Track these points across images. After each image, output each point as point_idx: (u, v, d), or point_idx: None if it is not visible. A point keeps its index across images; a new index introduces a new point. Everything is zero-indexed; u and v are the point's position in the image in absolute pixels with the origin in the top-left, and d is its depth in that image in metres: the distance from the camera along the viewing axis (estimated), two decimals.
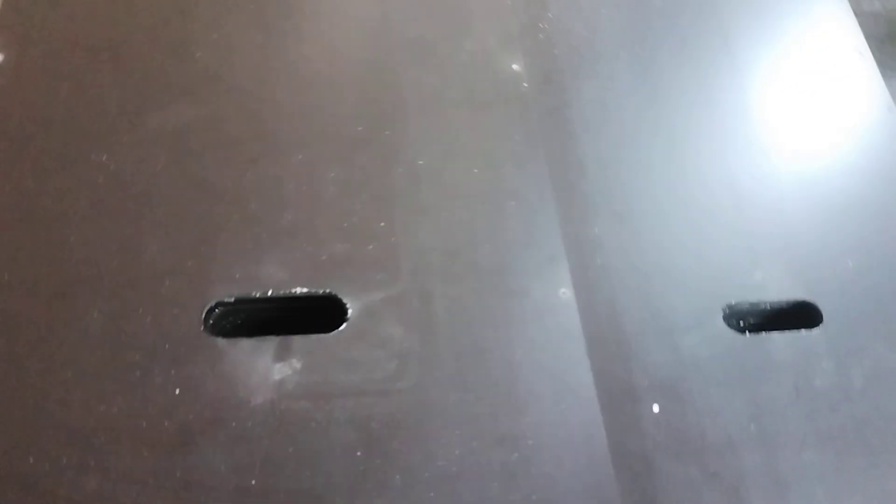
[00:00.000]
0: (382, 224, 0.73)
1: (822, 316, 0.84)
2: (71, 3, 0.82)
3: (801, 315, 0.85)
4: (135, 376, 0.61)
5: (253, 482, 0.58)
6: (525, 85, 0.88)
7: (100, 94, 0.75)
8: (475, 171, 0.79)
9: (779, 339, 0.83)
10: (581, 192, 0.87)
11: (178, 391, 0.60)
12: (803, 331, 0.83)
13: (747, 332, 0.83)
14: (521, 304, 0.71)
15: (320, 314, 0.67)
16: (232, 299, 0.66)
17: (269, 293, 0.66)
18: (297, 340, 0.65)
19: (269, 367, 0.63)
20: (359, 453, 0.60)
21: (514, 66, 0.89)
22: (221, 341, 0.63)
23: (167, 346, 0.62)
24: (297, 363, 0.64)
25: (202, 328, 0.64)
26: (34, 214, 0.67)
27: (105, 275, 0.65)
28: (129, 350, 0.62)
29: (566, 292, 0.73)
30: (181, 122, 0.75)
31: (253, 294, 0.66)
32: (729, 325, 0.83)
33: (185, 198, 0.71)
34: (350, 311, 0.67)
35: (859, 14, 1.05)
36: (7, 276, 0.63)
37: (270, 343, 0.64)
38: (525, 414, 0.65)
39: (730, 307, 0.83)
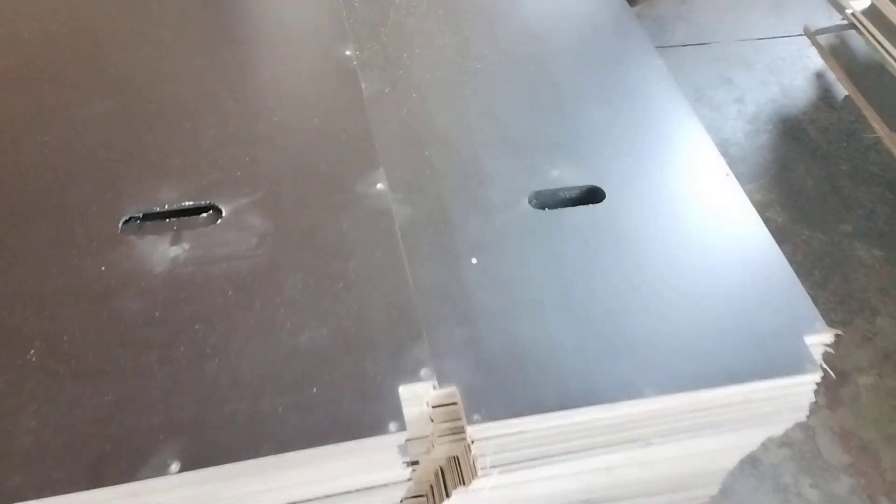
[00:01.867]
0: (247, 159, 1.02)
1: (605, 195, 1.11)
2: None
3: (590, 197, 1.12)
4: (73, 262, 0.88)
5: (156, 314, 0.84)
6: (354, 63, 1.19)
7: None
8: (315, 119, 1.08)
9: (571, 212, 1.09)
10: (409, 127, 1.16)
11: (103, 268, 0.88)
12: (591, 205, 1.11)
13: (546, 209, 1.10)
14: (348, 198, 0.99)
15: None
16: (140, 214, 0.94)
17: (165, 207, 0.95)
18: (186, 232, 0.93)
19: (167, 248, 0.91)
20: (230, 293, 0.87)
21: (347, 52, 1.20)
22: (133, 237, 0.91)
23: (95, 243, 0.90)
24: (186, 245, 0.91)
25: (119, 231, 0.92)
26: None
27: (56, 201, 0.94)
28: (69, 248, 0.90)
29: (382, 187, 1.01)
30: (100, 111, 1.05)
31: (153, 209, 0.94)
32: (532, 205, 1.10)
33: (106, 155, 1.00)
34: (224, 212, 0.95)
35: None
36: None
37: (167, 233, 0.92)
38: (350, 259, 0.92)
39: (535, 193, 1.11)
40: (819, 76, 2.20)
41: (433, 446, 0.99)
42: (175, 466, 0.74)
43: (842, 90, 2.04)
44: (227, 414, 0.78)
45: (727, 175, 1.17)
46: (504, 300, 0.97)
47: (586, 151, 1.17)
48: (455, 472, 1.00)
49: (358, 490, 0.90)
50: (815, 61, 2.13)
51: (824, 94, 2.18)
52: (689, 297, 1.00)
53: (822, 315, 1.66)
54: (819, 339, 1.01)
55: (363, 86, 1.20)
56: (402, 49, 1.32)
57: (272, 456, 0.75)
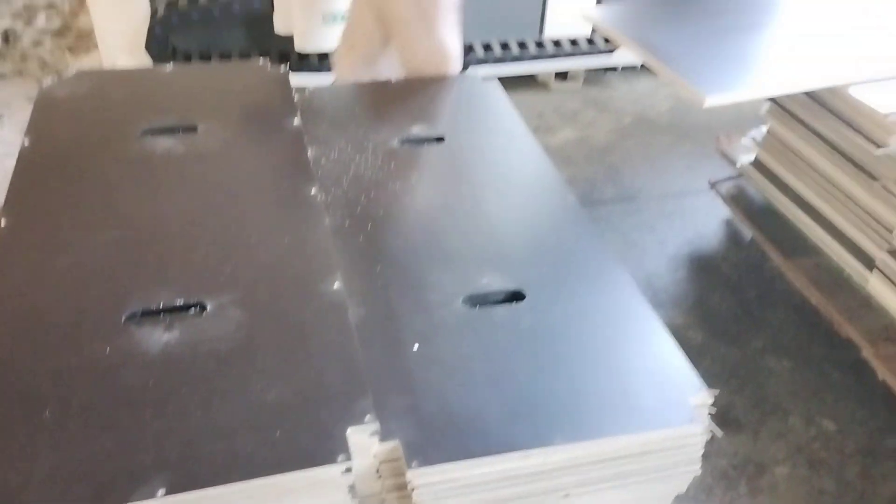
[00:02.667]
0: (229, 269, 1.26)
1: (525, 296, 1.36)
2: None
3: (513, 297, 1.37)
4: (84, 346, 1.09)
5: (150, 383, 1.04)
6: (319, 199, 1.47)
7: None
8: (286, 239, 1.34)
9: (497, 309, 1.33)
10: (364, 249, 1.42)
11: (108, 350, 1.08)
12: (513, 304, 1.35)
13: (477, 307, 1.34)
14: (310, 294, 1.22)
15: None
16: (140, 310, 1.16)
17: (160, 305, 1.17)
18: (177, 322, 1.14)
19: (161, 335, 1.12)
20: (211, 365, 1.07)
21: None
22: (133, 327, 1.13)
23: (102, 332, 1.11)
24: (176, 332, 1.12)
25: (122, 323, 1.13)
26: None
27: (72, 303, 1.16)
28: (81, 336, 1.10)
29: (338, 286, 1.24)
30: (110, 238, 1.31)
31: (151, 307, 1.17)
32: (465, 305, 1.33)
33: (114, 270, 1.24)
34: (209, 307, 1.18)
35: None
36: None
37: (162, 324, 1.13)
38: (310, 338, 1.14)
39: (467, 296, 1.35)
40: (728, 222, 2.55)
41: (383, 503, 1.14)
42: (161, 492, 0.90)
43: (748, 232, 2.37)
44: (207, 452, 0.95)
45: (626, 280, 1.43)
46: (440, 375, 1.18)
47: (511, 264, 1.42)
48: None
49: None
50: (724, 210, 2.48)
51: (733, 236, 2.52)
52: (593, 367, 1.21)
53: (740, 416, 1.88)
54: (701, 399, 1.21)
55: (326, 220, 1.48)
56: (360, 192, 1.62)
57: (240, 483, 0.92)
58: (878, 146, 1.68)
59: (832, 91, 1.78)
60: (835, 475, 1.75)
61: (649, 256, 2.44)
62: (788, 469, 1.75)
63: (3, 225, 1.34)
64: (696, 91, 1.61)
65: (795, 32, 1.95)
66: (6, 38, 3.74)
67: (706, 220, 2.59)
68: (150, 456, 0.95)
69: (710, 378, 1.96)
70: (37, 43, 3.78)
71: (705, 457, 1.76)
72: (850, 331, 1.90)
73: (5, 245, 1.32)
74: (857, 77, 1.71)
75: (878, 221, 1.79)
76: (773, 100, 2.07)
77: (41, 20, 3.98)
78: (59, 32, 3.92)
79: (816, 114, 1.89)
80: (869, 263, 1.83)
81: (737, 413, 1.89)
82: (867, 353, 1.85)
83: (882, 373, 1.80)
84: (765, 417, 1.88)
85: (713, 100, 1.60)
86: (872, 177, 1.76)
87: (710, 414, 1.22)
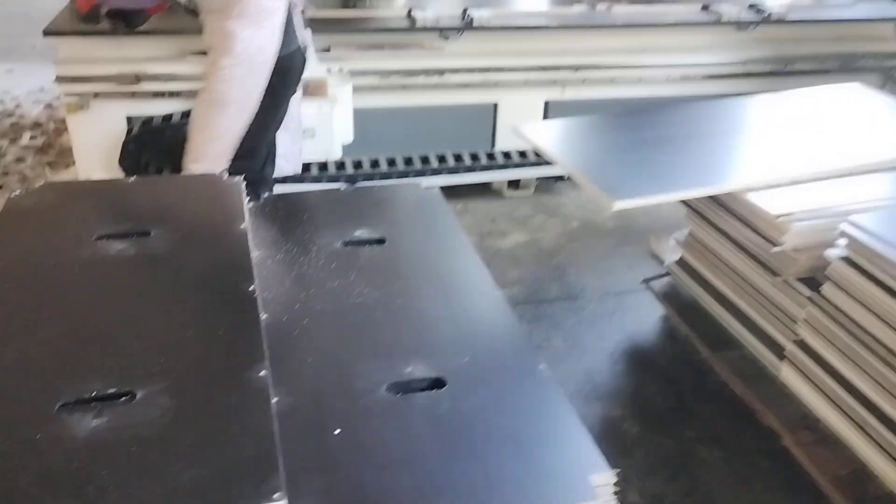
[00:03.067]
0: (162, 360, 1.35)
1: (445, 383, 1.46)
2: None
3: (435, 385, 1.46)
4: (16, 432, 1.16)
5: (74, 465, 1.11)
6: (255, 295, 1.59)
7: None
8: (220, 331, 1.44)
9: (418, 396, 1.43)
10: (298, 342, 1.52)
11: (38, 436, 1.16)
12: (434, 391, 1.44)
13: (399, 394, 1.43)
14: (236, 381, 1.31)
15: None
16: (73, 399, 1.24)
17: (93, 394, 1.25)
18: (107, 409, 1.22)
19: (90, 421, 1.19)
20: (134, 448, 1.15)
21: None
22: (65, 415, 1.20)
23: (35, 419, 1.19)
24: (105, 418, 1.20)
25: (55, 411, 1.21)
26: None
27: (10, 393, 1.23)
28: (15, 423, 1.18)
29: (264, 373, 1.34)
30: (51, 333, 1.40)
31: (84, 396, 1.25)
32: (388, 392, 1.43)
33: (51, 362, 1.32)
34: (138, 395, 1.26)
35: None
36: None
37: (92, 411, 1.21)
38: (231, 422, 1.22)
39: (391, 384, 1.44)
40: (665, 318, 2.68)
41: None
42: None
43: (683, 327, 2.49)
44: None
45: (541, 367, 1.53)
46: (357, 457, 1.27)
47: (436, 354, 1.53)
48: None
49: None
50: (661, 307, 2.62)
51: (669, 332, 2.64)
52: (503, 450, 1.30)
53: None
54: (603, 479, 1.29)
55: (265, 316, 1.58)
56: (301, 290, 1.74)
57: None
58: (774, 245, 1.85)
59: (732, 196, 1.97)
60: None
61: (590, 352, 2.54)
62: None
63: None
64: (605, 196, 1.78)
65: (702, 145, 2.16)
66: None
67: (644, 317, 2.72)
68: None
69: (643, 468, 2.06)
70: (19, 159, 3.97)
71: None
72: (771, 420, 1.99)
73: None
74: (751, 184, 1.90)
75: (784, 314, 1.93)
76: (687, 204, 2.25)
77: (26, 138, 4.20)
78: (42, 149, 4.13)
79: (723, 216, 2.07)
80: (780, 354, 1.95)
81: (669, 503, 1.95)
82: (787, 440, 1.94)
83: (802, 460, 1.88)
84: None
85: (620, 204, 1.77)
86: (775, 273, 1.91)
87: (614, 493, 1.30)
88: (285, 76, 2.53)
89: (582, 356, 2.53)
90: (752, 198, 1.88)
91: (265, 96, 2.41)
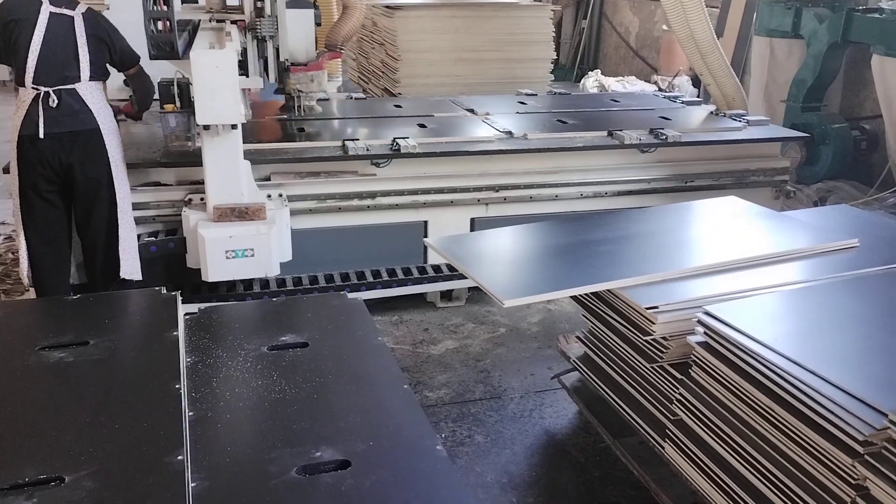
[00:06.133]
0: (91, 449, 1.52)
1: (350, 464, 1.64)
2: None
3: (341, 465, 1.65)
4: None
5: None
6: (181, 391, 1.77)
7: None
8: (145, 423, 1.62)
9: (325, 476, 1.60)
10: (220, 436, 1.70)
11: None
12: (340, 470, 1.62)
13: (307, 475, 1.60)
14: (156, 466, 1.48)
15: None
16: (7, 486, 1.40)
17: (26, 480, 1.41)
18: (37, 493, 1.38)
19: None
20: None
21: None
22: None
23: None
24: (35, 499, 1.36)
25: None
26: None
27: None
28: None
29: (181, 458, 1.51)
30: None
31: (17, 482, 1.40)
32: (298, 474, 1.60)
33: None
34: (67, 479, 1.42)
35: None
36: None
37: (24, 493, 1.37)
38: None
39: (302, 466, 1.62)
40: (580, 413, 2.90)
41: None
42: None
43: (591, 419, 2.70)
44: None
45: (437, 448, 1.72)
46: None
47: (345, 440, 1.72)
48: None
49: None
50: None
51: (583, 424, 2.85)
52: None
53: None
54: None
55: (191, 413, 1.76)
56: (226, 390, 1.93)
57: None
58: (646, 333, 2.11)
59: (611, 293, 2.25)
60: None
61: (509, 446, 2.72)
62: None
63: None
64: (497, 295, 2.04)
65: (591, 250, 2.47)
66: None
67: (561, 412, 2.93)
68: None
69: None
70: None
71: None
72: (663, 499, 2.18)
73: None
74: (626, 282, 2.19)
75: (663, 396, 2.16)
76: (581, 304, 2.53)
77: None
78: (0, 277, 4.29)
79: (607, 312, 2.34)
80: (664, 434, 2.16)
81: None
82: None
83: None
84: None
85: (511, 301, 2.03)
86: (651, 358, 2.16)
87: None
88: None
89: (502, 450, 2.70)
90: (627, 294, 2.17)
91: None
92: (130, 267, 3.11)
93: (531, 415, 2.94)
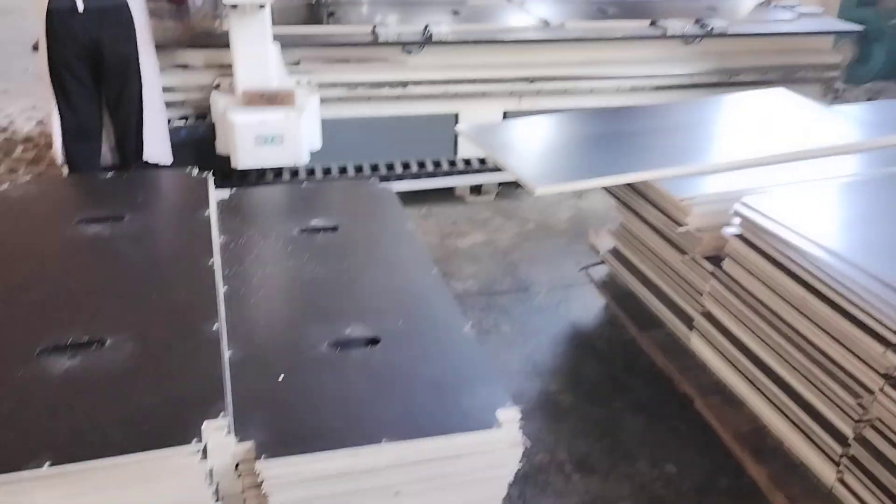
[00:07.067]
0: (129, 316, 1.56)
1: (380, 340, 1.67)
2: None
3: (370, 342, 1.68)
4: (3, 371, 1.37)
5: (51, 393, 1.31)
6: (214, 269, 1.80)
7: None
8: (181, 293, 1.66)
9: (355, 351, 1.64)
10: (254, 309, 1.73)
11: (20, 373, 1.36)
12: (370, 347, 1.66)
13: (338, 349, 1.64)
14: (194, 332, 1.52)
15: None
16: (51, 346, 1.45)
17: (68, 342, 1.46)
18: (80, 353, 1.43)
19: (65, 361, 1.40)
20: (102, 382, 1.36)
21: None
22: (43, 357, 1.41)
23: (19, 361, 1.40)
24: (78, 360, 1.41)
25: (35, 355, 1.42)
26: None
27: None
28: (2, 364, 1.39)
29: (216, 327, 1.55)
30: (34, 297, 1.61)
31: (60, 343, 1.46)
32: (329, 348, 1.64)
33: (35, 318, 1.53)
34: (107, 343, 1.47)
35: None
36: None
37: (66, 354, 1.42)
38: (187, 361, 1.43)
39: (333, 341, 1.66)
40: (606, 307, 2.91)
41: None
42: (47, 465, 1.17)
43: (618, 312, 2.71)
44: (86, 440, 1.23)
45: (465, 329, 1.75)
46: (297, 397, 1.48)
47: (374, 318, 1.74)
48: None
49: None
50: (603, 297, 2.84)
51: (609, 318, 2.87)
52: (425, 391, 1.52)
53: (594, 462, 2.15)
54: (509, 414, 1.49)
55: (225, 288, 1.80)
56: (258, 268, 1.95)
57: (109, 458, 1.19)
58: (680, 225, 2.08)
59: (646, 184, 2.20)
60: None
61: (535, 336, 2.76)
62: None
63: None
64: (529, 184, 2.01)
65: (628, 141, 2.40)
66: None
67: (588, 306, 2.94)
68: (40, 442, 1.22)
69: (573, 432, 2.28)
70: (12, 170, 4.18)
71: (559, 495, 2.03)
72: (686, 386, 2.21)
73: None
74: (662, 173, 2.14)
75: (693, 289, 2.15)
76: (615, 197, 2.48)
77: (18, 151, 4.42)
78: (33, 161, 4.34)
79: (641, 204, 2.30)
80: (691, 326, 2.17)
81: (592, 460, 2.16)
82: (698, 403, 2.15)
83: (710, 420, 2.10)
84: (616, 463, 2.14)
85: (542, 189, 2.00)
86: (683, 251, 2.14)
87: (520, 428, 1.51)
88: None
89: (527, 340, 2.74)
90: (662, 185, 2.12)
91: None
92: (156, 150, 3.10)
93: (557, 307, 2.97)
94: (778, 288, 1.87)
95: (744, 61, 4.12)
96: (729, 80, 4.10)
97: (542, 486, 2.07)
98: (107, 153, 3.16)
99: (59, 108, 2.94)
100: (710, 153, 2.33)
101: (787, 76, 4.17)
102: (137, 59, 2.93)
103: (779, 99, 2.88)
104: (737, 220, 1.97)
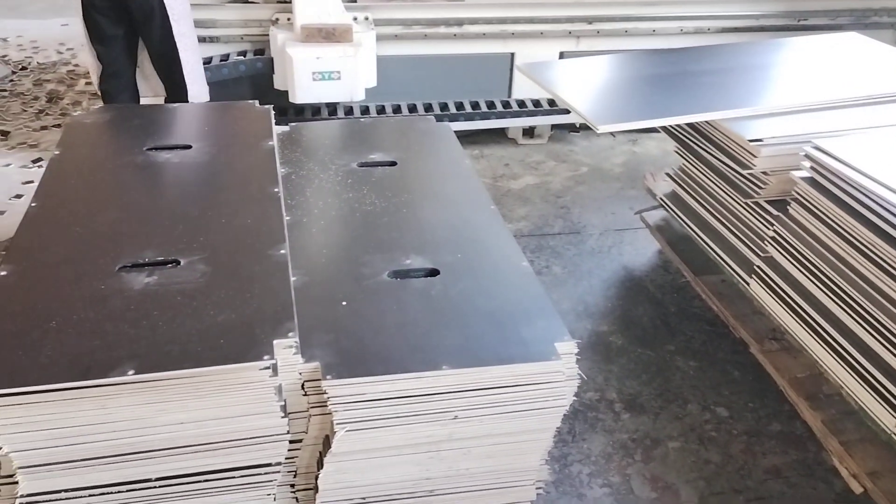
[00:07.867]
0: (202, 238, 1.61)
1: (439, 272, 1.70)
2: None
3: (430, 273, 1.70)
4: (86, 283, 1.43)
5: (132, 307, 1.38)
6: (279, 194, 1.83)
7: None
8: (248, 220, 1.70)
9: (414, 281, 1.67)
10: (315, 238, 1.77)
11: (102, 287, 1.43)
12: (429, 278, 1.68)
13: (398, 279, 1.67)
14: (262, 256, 1.57)
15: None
16: (130, 263, 1.51)
17: (146, 259, 1.52)
18: (157, 272, 1.49)
19: (144, 278, 1.46)
20: (178, 298, 1.41)
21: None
22: (123, 273, 1.47)
23: (100, 275, 1.46)
24: (155, 277, 1.47)
25: (115, 271, 1.48)
26: None
27: (83, 256, 1.51)
28: (86, 277, 1.45)
29: (284, 252, 1.59)
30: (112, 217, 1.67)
31: (139, 261, 1.51)
32: (389, 277, 1.67)
33: (114, 236, 1.60)
34: (182, 262, 1.52)
35: None
36: None
37: (145, 272, 1.48)
38: (256, 283, 1.47)
39: (392, 272, 1.69)
40: (660, 252, 2.89)
41: (309, 420, 1.45)
42: (131, 373, 1.23)
43: (672, 256, 2.69)
44: (165, 351, 1.29)
45: (524, 264, 1.76)
46: (359, 322, 1.52)
47: (434, 251, 1.77)
48: (326, 449, 1.45)
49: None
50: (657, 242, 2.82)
51: (663, 263, 2.84)
52: (484, 321, 1.54)
53: (644, 403, 2.17)
54: (566, 348, 1.51)
55: (288, 217, 1.83)
56: (319, 199, 1.98)
57: (188, 370, 1.25)
58: (746, 167, 2.03)
59: (711, 125, 2.15)
60: (721, 450, 2.02)
61: (586, 278, 2.76)
62: (680, 444, 2.02)
63: (34, 205, 1.73)
64: (592, 121, 1.98)
65: (692, 81, 2.34)
66: (50, 98, 4.28)
67: (641, 250, 2.93)
68: (124, 351, 1.28)
69: (623, 373, 2.30)
70: (76, 102, 4.28)
71: (608, 432, 2.06)
72: (742, 332, 2.20)
73: (36, 218, 1.70)
74: (728, 113, 2.08)
75: (755, 234, 2.11)
76: (676, 139, 2.43)
77: (81, 84, 4.51)
78: (96, 94, 4.45)
79: (704, 145, 2.25)
80: (752, 271, 2.14)
81: (642, 400, 2.17)
82: (754, 349, 2.14)
83: (766, 366, 2.09)
84: (666, 404, 2.16)
85: (605, 127, 1.97)
86: (747, 194, 2.10)
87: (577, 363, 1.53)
88: None
89: (578, 282, 2.75)
90: (729, 125, 2.06)
91: None
92: (197, 90, 3.15)
93: (610, 251, 2.95)
94: (847, 233, 1.82)
95: (814, 3, 3.94)
96: (797, 24, 3.93)
97: (591, 423, 2.11)
98: (146, 88, 3.24)
99: (92, 45, 3.06)
100: (779, 95, 2.25)
101: (859, 20, 3.98)
102: (162, 4, 2.95)
103: (851, 43, 2.76)
104: (807, 164, 1.92)
